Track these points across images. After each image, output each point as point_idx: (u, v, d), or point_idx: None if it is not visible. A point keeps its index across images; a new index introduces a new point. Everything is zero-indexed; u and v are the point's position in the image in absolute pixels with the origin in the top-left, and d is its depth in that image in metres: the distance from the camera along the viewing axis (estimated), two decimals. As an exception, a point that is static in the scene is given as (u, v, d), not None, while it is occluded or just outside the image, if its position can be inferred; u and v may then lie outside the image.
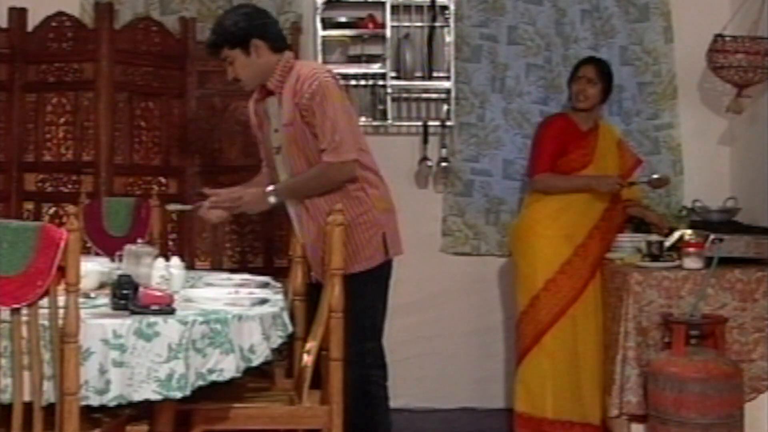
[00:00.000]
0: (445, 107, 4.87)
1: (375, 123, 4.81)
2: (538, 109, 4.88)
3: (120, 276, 2.77)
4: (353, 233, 3.35)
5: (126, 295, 2.69)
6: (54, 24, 4.41)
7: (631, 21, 4.88)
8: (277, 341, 2.92)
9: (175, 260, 3.17)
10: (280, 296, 3.17)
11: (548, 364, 4.26)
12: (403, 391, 4.28)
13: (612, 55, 4.85)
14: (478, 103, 4.88)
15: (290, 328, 3.06)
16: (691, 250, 3.97)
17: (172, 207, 3.87)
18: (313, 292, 3.44)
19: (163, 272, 3.05)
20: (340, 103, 3.35)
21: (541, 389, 4.26)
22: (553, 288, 4.26)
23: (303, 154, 3.39)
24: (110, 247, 3.59)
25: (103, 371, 2.52)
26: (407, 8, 4.84)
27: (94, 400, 2.53)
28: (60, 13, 4.42)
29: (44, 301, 2.36)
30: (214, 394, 2.93)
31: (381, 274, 3.47)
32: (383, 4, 4.79)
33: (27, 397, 2.40)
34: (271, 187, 3.45)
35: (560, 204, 4.32)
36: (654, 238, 4.18)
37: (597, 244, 4.30)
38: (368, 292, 3.40)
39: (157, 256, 3.12)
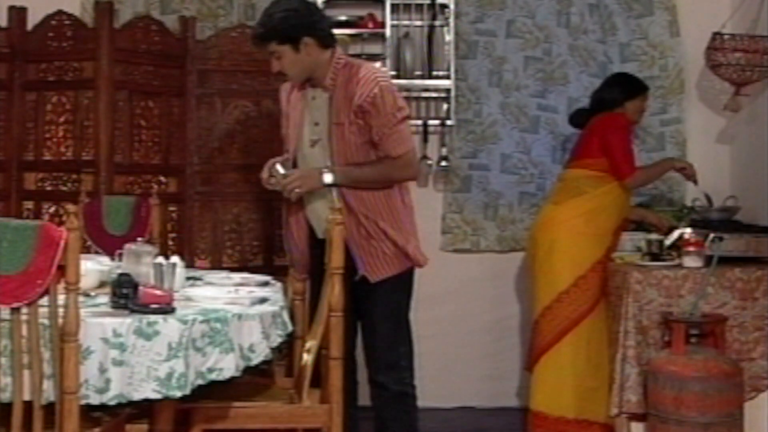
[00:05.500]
0: (445, 106, 4.88)
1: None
2: (536, 102, 4.90)
3: (120, 275, 2.78)
4: (388, 238, 3.42)
5: (126, 294, 2.69)
6: (54, 23, 4.41)
7: (635, 16, 4.88)
8: (276, 340, 2.92)
9: (175, 259, 3.17)
10: (279, 295, 3.17)
11: (570, 361, 4.23)
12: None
13: (613, 52, 4.87)
14: (475, 99, 4.89)
15: (290, 327, 3.06)
16: (691, 248, 3.97)
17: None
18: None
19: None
20: (397, 105, 3.41)
21: (561, 387, 4.23)
22: (583, 285, 4.23)
23: (345, 153, 3.40)
24: (110, 246, 3.59)
25: (103, 370, 2.52)
26: (407, 7, 4.84)
27: (94, 399, 2.53)
28: (60, 12, 4.42)
29: (44, 300, 2.36)
30: (214, 392, 2.93)
31: (409, 278, 3.53)
32: (383, 2, 4.79)
33: (27, 396, 2.40)
34: (327, 171, 3.39)
35: (594, 205, 4.30)
36: (654, 236, 4.18)
37: (614, 247, 4.30)
38: (398, 296, 3.51)
39: (157, 255, 3.12)
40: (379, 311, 3.49)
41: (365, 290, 3.46)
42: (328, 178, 3.37)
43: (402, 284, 3.51)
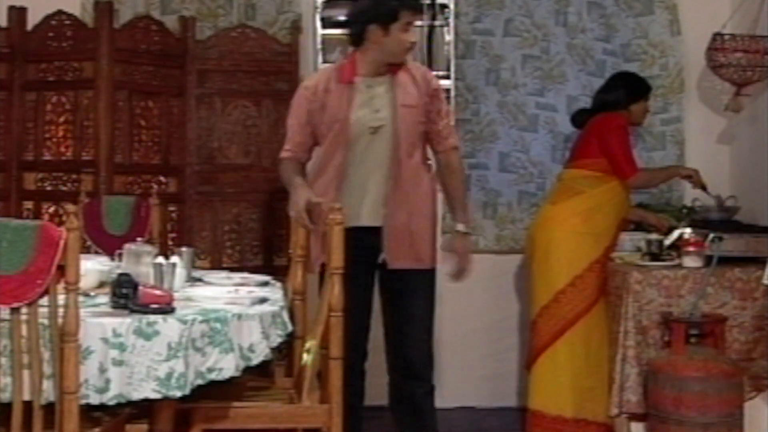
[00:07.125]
0: (445, 106, 4.88)
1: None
2: (534, 100, 4.90)
3: (120, 275, 2.78)
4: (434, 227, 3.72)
5: (126, 294, 2.69)
6: (54, 23, 4.41)
7: (635, 15, 4.89)
8: (276, 340, 2.92)
9: (175, 259, 3.17)
10: (279, 295, 3.17)
11: (568, 361, 4.23)
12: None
13: (613, 51, 4.87)
14: (472, 98, 4.90)
15: (290, 327, 3.06)
16: (691, 248, 3.97)
17: None
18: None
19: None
20: None
21: (558, 387, 4.23)
22: (580, 284, 4.23)
23: (408, 136, 3.51)
24: (110, 246, 3.59)
25: (102, 370, 2.52)
26: (407, 7, 4.83)
27: (94, 399, 2.53)
28: (60, 12, 4.41)
29: (44, 300, 2.37)
30: (214, 392, 2.93)
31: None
32: (383, 2, 4.78)
33: (27, 396, 2.41)
34: (461, 226, 3.70)
35: (591, 204, 4.30)
36: (654, 236, 4.18)
37: (613, 247, 4.29)
38: (433, 291, 3.73)
39: (156, 255, 3.12)
40: (421, 304, 3.64)
41: (405, 282, 3.60)
42: (464, 228, 3.70)
43: (434, 281, 3.73)
